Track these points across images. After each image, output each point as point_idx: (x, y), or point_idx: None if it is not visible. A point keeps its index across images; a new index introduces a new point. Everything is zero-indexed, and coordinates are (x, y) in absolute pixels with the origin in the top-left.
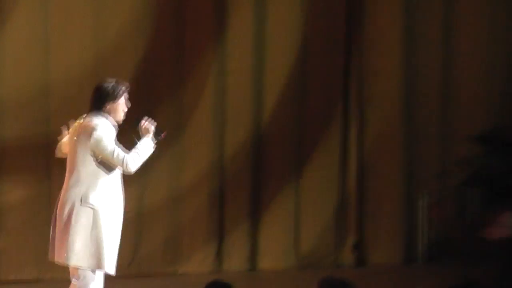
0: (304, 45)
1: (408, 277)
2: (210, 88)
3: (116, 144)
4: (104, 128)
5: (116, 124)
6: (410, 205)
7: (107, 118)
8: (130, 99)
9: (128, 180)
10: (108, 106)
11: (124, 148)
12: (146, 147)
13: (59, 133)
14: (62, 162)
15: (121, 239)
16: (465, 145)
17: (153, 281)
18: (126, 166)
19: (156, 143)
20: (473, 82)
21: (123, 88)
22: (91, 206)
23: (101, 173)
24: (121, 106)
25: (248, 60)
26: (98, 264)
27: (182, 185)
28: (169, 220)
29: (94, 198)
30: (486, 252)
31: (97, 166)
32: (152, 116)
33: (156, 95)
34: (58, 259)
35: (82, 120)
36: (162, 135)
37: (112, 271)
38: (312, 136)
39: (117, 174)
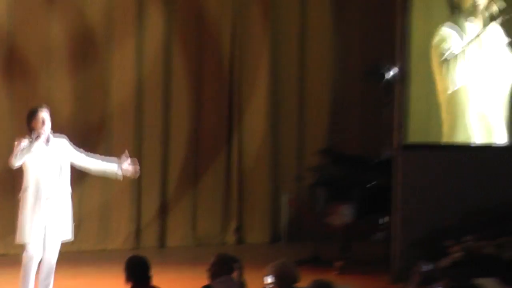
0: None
1: (274, 253)
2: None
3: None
4: (18, 143)
5: (40, 134)
6: (276, 199)
7: (27, 136)
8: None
9: (74, 184)
10: (31, 125)
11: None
12: (23, 149)
13: None
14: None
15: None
16: (314, 157)
17: (89, 256)
18: (10, 163)
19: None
20: (319, 114)
21: (36, 110)
22: (20, 196)
23: (25, 173)
24: (36, 122)
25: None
26: (18, 238)
27: (111, 190)
28: (101, 213)
29: (21, 191)
30: (329, 234)
31: (23, 169)
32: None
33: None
34: None
35: None
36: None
37: (22, 241)
38: (207, 153)
39: (35, 172)
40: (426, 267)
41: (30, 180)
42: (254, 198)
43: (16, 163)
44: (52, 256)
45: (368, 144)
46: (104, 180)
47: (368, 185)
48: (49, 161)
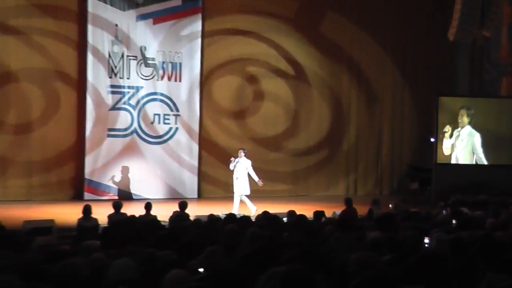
0: None
1: (392, 198)
2: None
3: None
4: (233, 159)
5: (237, 158)
6: (392, 176)
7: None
8: None
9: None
10: (238, 153)
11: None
12: (230, 164)
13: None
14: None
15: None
16: (405, 165)
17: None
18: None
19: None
20: (409, 150)
21: (241, 148)
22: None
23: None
24: (239, 153)
25: None
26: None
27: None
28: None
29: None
30: (410, 192)
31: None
32: None
33: None
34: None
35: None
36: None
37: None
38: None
39: (236, 170)
40: (441, 202)
41: (234, 172)
42: (385, 176)
43: (231, 168)
44: (241, 199)
45: (425, 161)
46: None
47: (423, 176)
48: (240, 167)
